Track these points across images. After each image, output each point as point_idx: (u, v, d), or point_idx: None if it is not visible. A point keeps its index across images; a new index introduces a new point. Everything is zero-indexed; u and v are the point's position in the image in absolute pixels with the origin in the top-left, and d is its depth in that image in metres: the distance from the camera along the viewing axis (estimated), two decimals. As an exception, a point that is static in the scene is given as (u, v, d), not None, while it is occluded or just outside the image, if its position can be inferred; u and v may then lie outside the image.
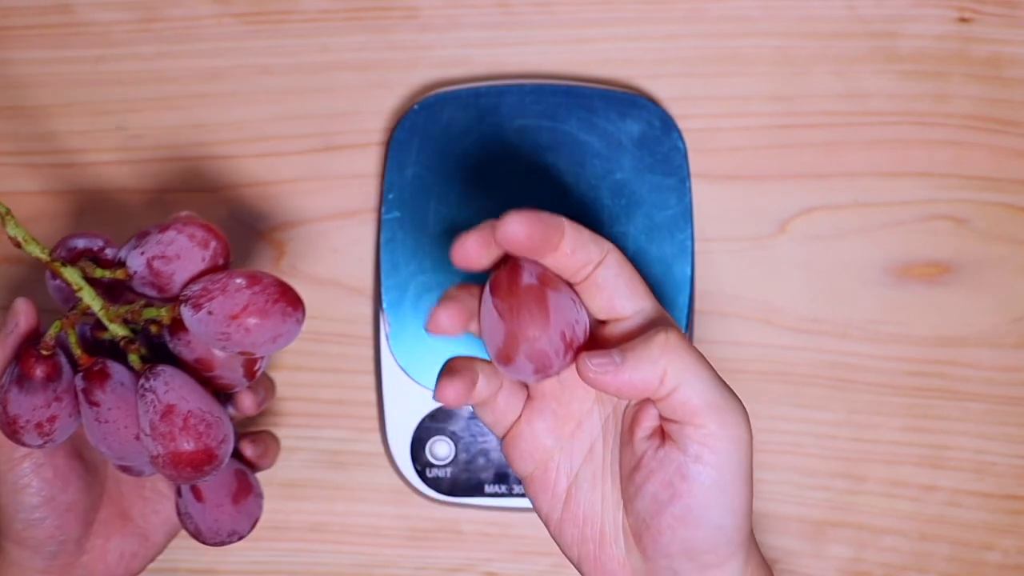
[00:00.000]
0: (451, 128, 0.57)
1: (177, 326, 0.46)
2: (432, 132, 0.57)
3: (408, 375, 0.58)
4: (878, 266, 0.60)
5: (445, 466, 0.58)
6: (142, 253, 0.46)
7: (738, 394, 0.60)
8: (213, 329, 0.44)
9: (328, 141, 0.60)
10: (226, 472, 0.50)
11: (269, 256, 0.60)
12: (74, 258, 0.47)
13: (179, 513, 0.50)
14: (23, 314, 0.47)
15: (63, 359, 0.46)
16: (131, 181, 0.60)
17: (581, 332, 0.43)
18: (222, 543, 0.50)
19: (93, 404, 0.45)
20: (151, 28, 0.60)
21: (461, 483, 0.58)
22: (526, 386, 0.46)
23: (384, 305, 0.57)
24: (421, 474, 0.58)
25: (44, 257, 0.45)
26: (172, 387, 0.45)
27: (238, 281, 0.44)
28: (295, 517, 0.60)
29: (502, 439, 0.47)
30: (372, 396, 0.60)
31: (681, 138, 0.57)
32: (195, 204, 0.60)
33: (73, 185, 0.60)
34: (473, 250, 0.42)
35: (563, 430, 0.46)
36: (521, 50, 0.60)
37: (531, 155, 0.57)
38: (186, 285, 0.45)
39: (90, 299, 0.45)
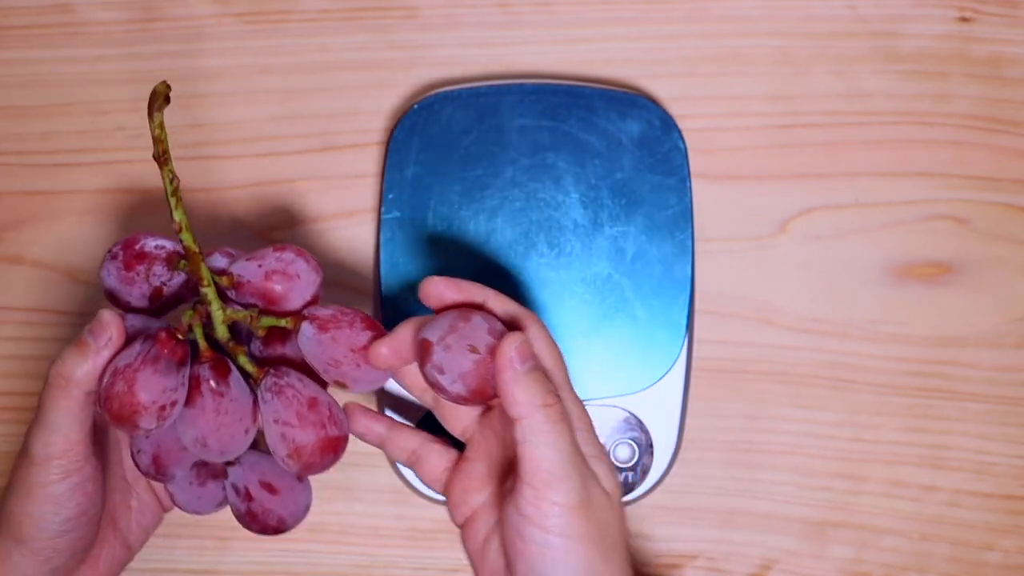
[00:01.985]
0: (451, 128, 0.57)
1: (274, 338, 0.49)
2: (432, 132, 0.57)
3: (408, 375, 0.57)
4: (878, 266, 0.60)
5: (445, 466, 0.58)
6: (259, 266, 0.48)
7: (736, 394, 0.60)
8: (329, 354, 0.48)
9: (328, 141, 0.60)
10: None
11: (269, 256, 0.60)
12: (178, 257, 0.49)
13: (251, 515, 0.51)
14: (116, 327, 0.47)
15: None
16: (131, 181, 0.60)
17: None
18: (299, 520, 0.52)
19: (217, 394, 0.47)
20: (151, 28, 0.60)
21: (461, 483, 0.58)
22: (458, 445, 0.51)
23: (384, 305, 0.57)
24: (421, 474, 0.58)
25: (195, 248, 0.47)
26: (305, 382, 0.48)
27: (363, 322, 0.48)
28: (295, 517, 0.60)
29: (442, 492, 0.51)
30: (372, 396, 0.60)
31: (681, 138, 0.57)
32: (195, 204, 0.60)
33: (73, 185, 0.60)
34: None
35: (493, 485, 0.49)
36: (521, 50, 0.60)
37: (531, 155, 0.57)
38: (306, 305, 0.49)
39: (212, 297, 0.48)
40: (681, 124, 0.58)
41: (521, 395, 0.45)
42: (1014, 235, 0.60)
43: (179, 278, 0.49)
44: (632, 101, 0.58)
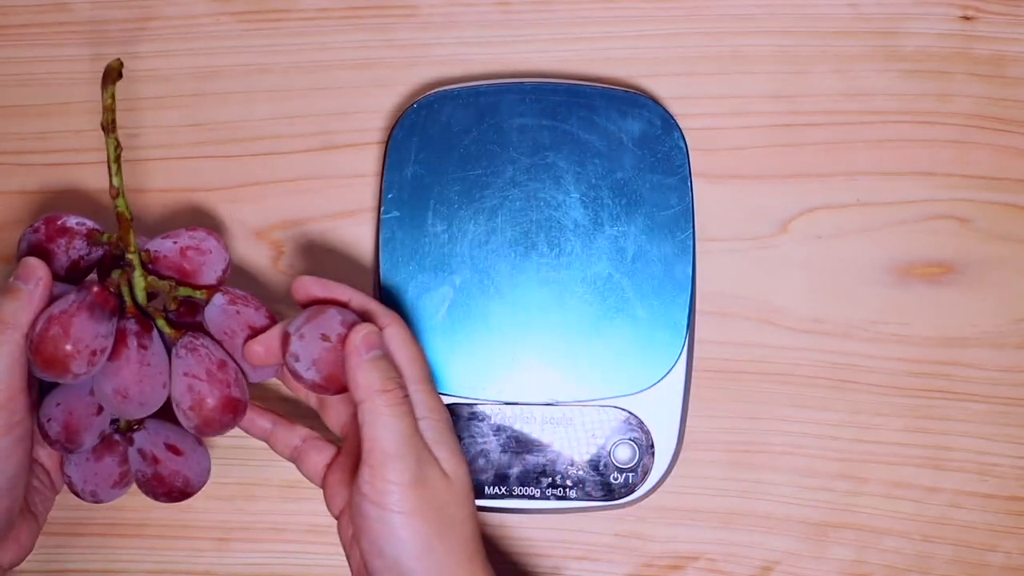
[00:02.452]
0: (450, 127, 0.57)
1: (185, 311, 0.53)
2: (431, 131, 0.57)
3: (407, 376, 0.57)
4: (880, 266, 0.60)
5: (445, 467, 0.58)
6: (175, 242, 0.52)
7: (737, 395, 0.60)
8: (229, 324, 0.51)
9: (327, 140, 0.60)
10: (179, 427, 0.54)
11: (267, 256, 0.60)
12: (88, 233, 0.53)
13: (157, 478, 0.53)
14: (42, 270, 0.49)
15: None
16: (129, 181, 0.60)
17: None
18: (201, 484, 0.54)
19: (142, 347, 0.50)
20: (148, 27, 0.60)
21: (461, 484, 0.58)
22: (335, 443, 0.54)
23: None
24: (420, 475, 0.58)
25: (128, 214, 0.51)
26: (216, 347, 0.51)
27: (267, 314, 0.52)
28: (294, 518, 0.60)
29: (321, 486, 0.53)
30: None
31: (682, 137, 0.57)
32: (194, 203, 0.60)
33: (71, 185, 0.60)
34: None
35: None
36: (521, 49, 0.60)
37: (531, 154, 0.57)
38: (219, 280, 0.52)
39: (137, 263, 0.51)
40: (682, 123, 0.58)
41: (362, 379, 0.48)
42: (1016, 235, 0.60)
43: (96, 253, 0.52)
44: (633, 100, 0.57)
